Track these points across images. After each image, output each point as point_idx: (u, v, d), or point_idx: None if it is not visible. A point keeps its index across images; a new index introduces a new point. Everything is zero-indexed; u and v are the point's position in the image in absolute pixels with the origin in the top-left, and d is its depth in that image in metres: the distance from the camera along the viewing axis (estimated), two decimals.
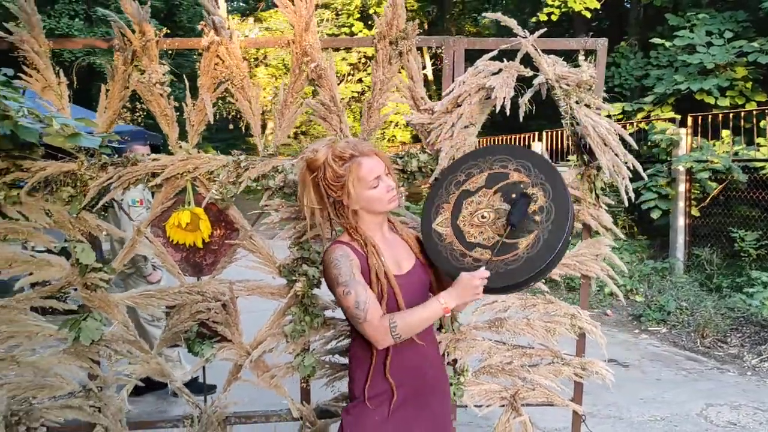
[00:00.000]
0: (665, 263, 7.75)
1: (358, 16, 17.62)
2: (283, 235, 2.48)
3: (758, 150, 7.38)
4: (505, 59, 2.43)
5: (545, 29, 2.52)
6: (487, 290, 1.86)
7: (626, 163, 2.41)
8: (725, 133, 7.74)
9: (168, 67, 2.43)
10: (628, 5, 14.15)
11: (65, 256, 2.48)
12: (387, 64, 2.46)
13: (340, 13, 18.04)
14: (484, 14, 2.49)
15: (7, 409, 2.47)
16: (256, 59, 17.36)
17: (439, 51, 10.97)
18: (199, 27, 2.43)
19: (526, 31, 2.44)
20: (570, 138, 2.54)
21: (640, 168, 2.49)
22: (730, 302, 6.28)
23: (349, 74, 17.07)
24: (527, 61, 2.44)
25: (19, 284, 2.49)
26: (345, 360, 2.52)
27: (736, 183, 7.21)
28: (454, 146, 2.44)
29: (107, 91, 2.41)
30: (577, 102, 2.42)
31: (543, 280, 2.56)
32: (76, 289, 2.48)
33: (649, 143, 8.36)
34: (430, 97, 2.52)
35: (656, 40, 9.62)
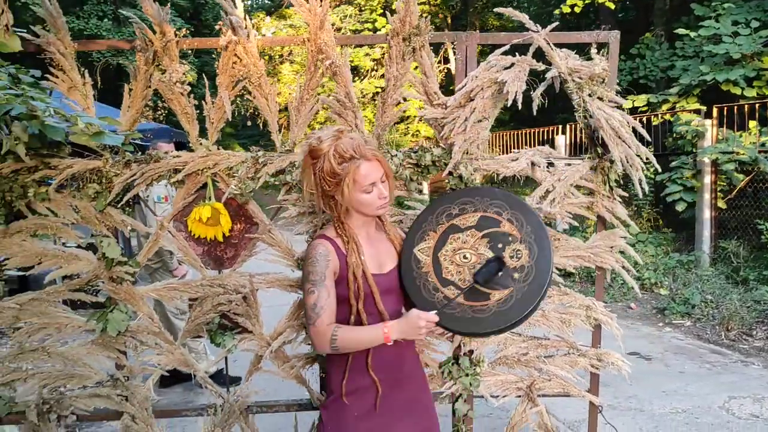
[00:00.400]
0: (691, 256, 7.67)
1: (381, 11, 17.61)
2: (301, 228, 2.54)
3: None
4: (517, 53, 2.46)
5: (557, 23, 2.54)
6: (452, 331, 1.90)
7: (639, 155, 2.43)
8: (752, 123, 7.62)
9: (188, 67, 2.50)
10: None
11: (92, 250, 2.57)
12: (400, 60, 2.50)
13: (363, 9, 18.06)
14: (497, 9, 2.51)
15: (38, 398, 2.57)
16: (281, 56, 17.46)
17: None
18: (217, 27, 2.50)
19: (538, 25, 2.46)
20: (583, 131, 2.56)
21: (653, 159, 2.50)
22: (757, 295, 6.21)
23: (372, 69, 17.08)
24: (541, 54, 2.46)
25: (48, 277, 2.58)
26: None
27: (764, 174, 7.10)
28: (468, 140, 2.47)
29: (130, 90, 2.49)
30: (590, 95, 2.44)
31: (558, 272, 2.60)
32: (103, 282, 2.58)
33: (674, 135, 8.27)
34: (453, 92, 2.54)
35: (681, 31, 9.48)
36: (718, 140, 7.59)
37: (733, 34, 8.56)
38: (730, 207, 7.67)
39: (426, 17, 2.47)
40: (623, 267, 2.60)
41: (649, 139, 2.55)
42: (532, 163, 2.55)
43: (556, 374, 2.65)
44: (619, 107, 2.47)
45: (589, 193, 2.58)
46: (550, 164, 2.55)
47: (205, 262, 2.63)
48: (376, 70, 16.83)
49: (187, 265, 4.42)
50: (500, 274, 1.87)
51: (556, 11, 12.18)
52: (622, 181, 2.58)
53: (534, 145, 2.65)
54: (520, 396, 2.68)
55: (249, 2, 24.95)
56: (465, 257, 1.93)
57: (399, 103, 2.56)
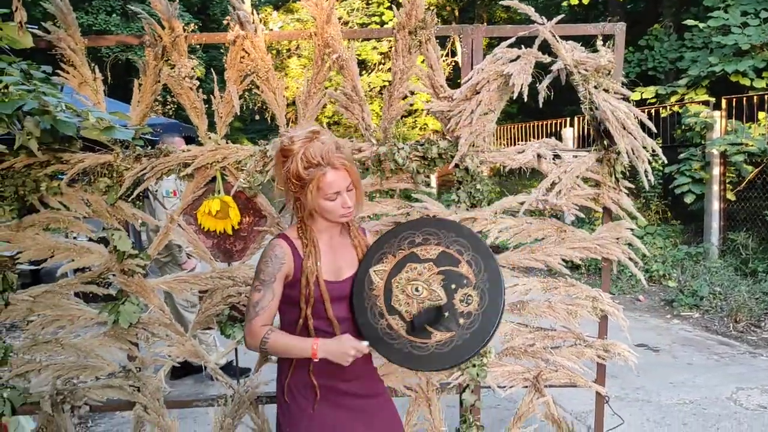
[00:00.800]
0: (699, 248, 7.66)
1: (388, 4, 17.57)
2: None
3: None
4: (523, 46, 2.47)
5: (563, 15, 2.54)
6: (386, 359, 1.91)
7: (645, 147, 2.43)
8: (761, 115, 7.58)
9: (196, 62, 2.53)
10: None
11: (104, 243, 2.61)
12: (407, 53, 2.52)
13: (370, 2, 18.02)
14: (504, 1, 2.51)
15: (52, 389, 2.62)
16: (289, 50, 17.47)
17: None
18: (225, 22, 2.52)
19: (543, 17, 2.47)
20: (590, 122, 2.57)
21: (659, 151, 2.51)
22: (765, 286, 6.20)
23: (380, 63, 17.05)
24: (547, 47, 2.47)
25: (61, 270, 2.63)
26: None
27: None
28: (474, 132, 2.49)
29: (140, 85, 2.52)
30: (595, 87, 2.44)
31: (565, 263, 2.62)
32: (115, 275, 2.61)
33: (683, 127, 8.23)
34: (460, 85, 2.55)
35: (690, 22, 9.42)
36: (727, 132, 7.55)
37: (743, 25, 8.50)
38: (739, 199, 7.64)
39: (432, 10, 2.49)
40: (629, 258, 2.62)
41: (656, 131, 2.55)
42: (538, 155, 2.56)
43: (563, 365, 2.67)
44: (626, 99, 2.48)
45: (595, 184, 2.59)
46: (556, 156, 2.57)
47: (215, 254, 2.66)
48: (384, 64, 16.80)
49: (196, 259, 4.46)
50: (446, 315, 1.86)
51: (564, 3, 12.12)
52: (629, 173, 2.58)
53: (542, 138, 2.65)
54: (527, 387, 2.70)
55: None
56: (417, 290, 1.91)
57: (406, 96, 2.58)
